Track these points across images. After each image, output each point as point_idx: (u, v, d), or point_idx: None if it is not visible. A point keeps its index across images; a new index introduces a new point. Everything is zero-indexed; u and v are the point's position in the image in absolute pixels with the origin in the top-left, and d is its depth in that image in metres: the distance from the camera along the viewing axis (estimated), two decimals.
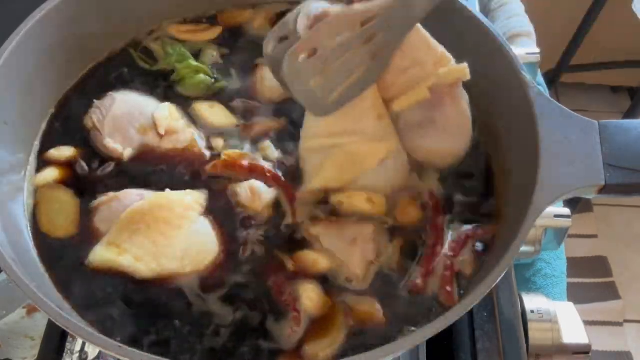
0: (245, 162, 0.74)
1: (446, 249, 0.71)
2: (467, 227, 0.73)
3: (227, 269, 0.69)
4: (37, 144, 0.78)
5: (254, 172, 0.74)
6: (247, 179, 0.74)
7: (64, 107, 0.81)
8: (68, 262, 0.69)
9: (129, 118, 0.77)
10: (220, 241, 0.70)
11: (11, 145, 0.75)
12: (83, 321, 0.64)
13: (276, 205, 0.73)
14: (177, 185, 0.73)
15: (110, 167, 0.75)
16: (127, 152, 0.76)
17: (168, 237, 0.68)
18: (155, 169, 0.76)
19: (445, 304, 0.68)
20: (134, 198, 0.70)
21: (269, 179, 0.74)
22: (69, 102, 0.82)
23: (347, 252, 0.69)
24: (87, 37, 0.85)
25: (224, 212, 0.72)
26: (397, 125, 0.73)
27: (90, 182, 0.74)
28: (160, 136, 0.76)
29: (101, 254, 0.68)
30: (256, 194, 0.72)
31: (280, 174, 0.74)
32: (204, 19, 0.91)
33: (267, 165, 0.75)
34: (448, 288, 0.69)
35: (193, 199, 0.71)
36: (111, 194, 0.71)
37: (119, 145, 0.76)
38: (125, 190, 0.72)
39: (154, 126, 0.77)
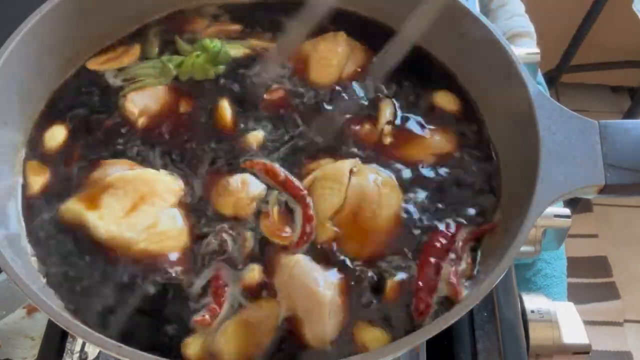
0: (282, 173, 0.75)
1: (451, 253, 0.70)
2: (467, 230, 0.72)
3: (186, 260, 0.70)
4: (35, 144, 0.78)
5: (286, 186, 0.74)
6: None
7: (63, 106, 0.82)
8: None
9: (152, 93, 0.83)
10: (184, 235, 0.71)
11: (10, 145, 0.75)
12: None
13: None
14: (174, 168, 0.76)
15: (124, 129, 0.79)
16: (141, 120, 0.80)
17: (138, 209, 0.71)
18: (161, 146, 0.78)
19: (451, 297, 0.67)
20: (126, 167, 0.75)
21: (296, 197, 0.73)
22: (68, 100, 0.82)
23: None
24: (87, 36, 0.85)
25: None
26: None
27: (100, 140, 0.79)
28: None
29: (72, 203, 0.72)
30: (245, 185, 0.73)
31: (307, 195, 0.73)
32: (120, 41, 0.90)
33: (298, 184, 0.75)
34: (453, 280, 0.68)
35: (178, 187, 0.74)
36: (111, 161, 0.76)
37: (137, 110, 0.80)
38: (122, 159, 0.76)
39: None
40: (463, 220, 0.73)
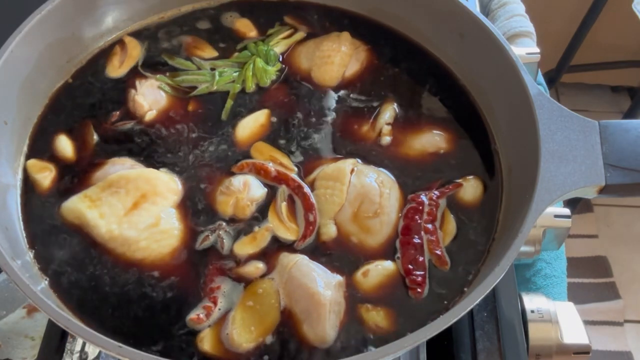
0: (273, 169, 0.75)
1: (424, 215, 0.72)
2: (434, 192, 0.74)
3: (186, 259, 0.70)
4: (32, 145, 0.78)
5: (280, 180, 0.75)
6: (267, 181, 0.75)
7: (64, 105, 0.82)
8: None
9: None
10: (184, 233, 0.71)
11: (10, 145, 0.75)
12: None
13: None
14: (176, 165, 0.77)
15: (129, 124, 0.80)
16: (149, 114, 0.80)
17: (139, 207, 0.71)
18: (164, 145, 0.78)
19: (440, 267, 0.70)
20: (127, 166, 0.75)
21: (294, 189, 0.74)
22: (70, 100, 0.82)
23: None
24: (88, 36, 0.85)
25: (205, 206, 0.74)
26: None
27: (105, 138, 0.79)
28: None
29: (73, 202, 0.72)
30: (247, 186, 0.73)
31: (304, 184, 0.74)
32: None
33: (292, 175, 0.75)
34: (438, 252, 0.70)
35: (179, 185, 0.75)
36: (112, 159, 0.76)
37: (146, 103, 0.81)
38: (123, 158, 0.76)
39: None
40: None
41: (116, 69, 0.85)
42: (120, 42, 0.88)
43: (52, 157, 0.77)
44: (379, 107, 0.83)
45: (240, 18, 0.91)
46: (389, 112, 0.82)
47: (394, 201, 0.73)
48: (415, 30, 0.89)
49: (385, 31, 0.91)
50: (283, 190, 0.74)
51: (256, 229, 0.72)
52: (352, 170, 0.74)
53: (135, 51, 0.87)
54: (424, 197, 0.73)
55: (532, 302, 0.83)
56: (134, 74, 0.85)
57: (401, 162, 0.78)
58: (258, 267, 0.69)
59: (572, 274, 1.09)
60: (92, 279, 0.68)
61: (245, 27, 0.91)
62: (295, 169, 0.77)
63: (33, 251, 0.70)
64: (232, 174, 0.76)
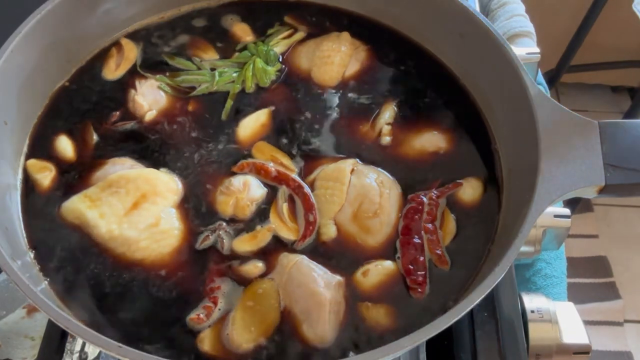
0: (273, 169, 0.75)
1: (424, 215, 0.72)
2: (434, 192, 0.74)
3: (186, 259, 0.70)
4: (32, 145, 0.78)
5: (280, 180, 0.75)
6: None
7: (64, 105, 0.82)
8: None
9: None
10: (184, 233, 0.71)
11: (10, 145, 0.75)
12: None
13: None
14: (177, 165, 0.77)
15: (129, 124, 0.80)
16: (149, 114, 0.80)
17: (139, 207, 0.71)
18: (164, 145, 0.78)
19: (440, 267, 0.70)
20: (127, 166, 0.75)
21: (294, 189, 0.74)
22: (70, 100, 0.82)
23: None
24: (88, 36, 0.85)
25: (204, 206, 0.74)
26: None
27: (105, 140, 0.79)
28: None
29: (73, 202, 0.72)
30: (247, 187, 0.73)
31: (304, 184, 0.74)
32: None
33: (293, 175, 0.75)
34: (438, 251, 0.70)
35: (179, 185, 0.74)
36: (112, 159, 0.76)
37: (146, 103, 0.81)
38: (123, 158, 0.76)
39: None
40: None
41: (112, 71, 0.85)
42: (116, 44, 0.88)
43: (52, 157, 0.77)
44: (379, 107, 0.83)
45: (240, 22, 0.91)
46: (389, 112, 0.82)
47: (393, 201, 0.73)
48: (415, 30, 0.89)
49: (385, 31, 0.91)
50: (284, 191, 0.74)
51: (258, 228, 0.72)
52: (352, 171, 0.74)
53: (132, 53, 0.86)
54: (423, 197, 0.73)
55: (532, 302, 0.83)
56: (132, 75, 0.85)
57: (401, 162, 0.78)
58: (257, 266, 0.69)
59: (572, 274, 1.08)
60: (92, 279, 0.68)
61: (242, 31, 0.90)
62: (296, 169, 0.77)
63: (33, 251, 0.70)
64: (233, 173, 0.76)
